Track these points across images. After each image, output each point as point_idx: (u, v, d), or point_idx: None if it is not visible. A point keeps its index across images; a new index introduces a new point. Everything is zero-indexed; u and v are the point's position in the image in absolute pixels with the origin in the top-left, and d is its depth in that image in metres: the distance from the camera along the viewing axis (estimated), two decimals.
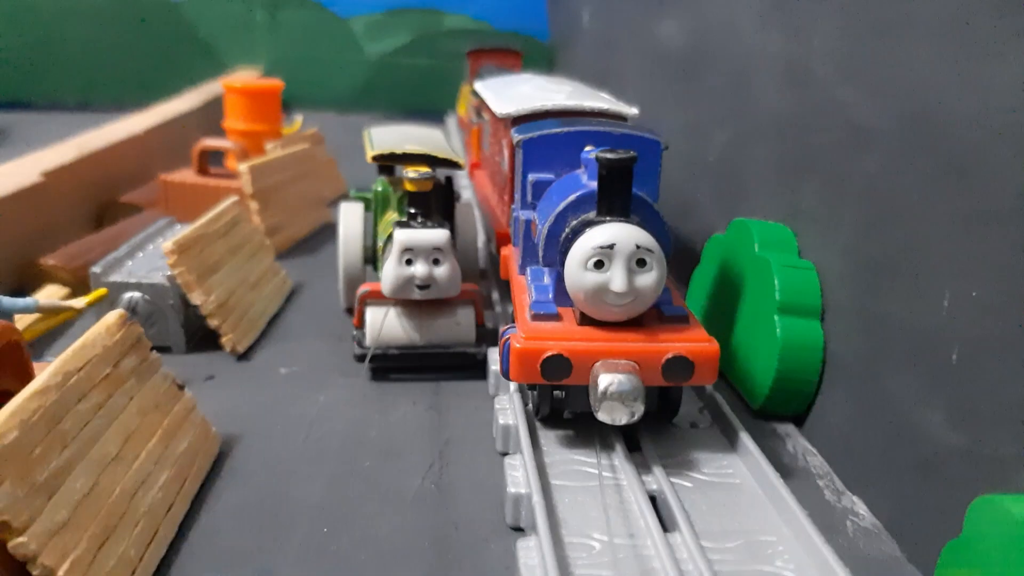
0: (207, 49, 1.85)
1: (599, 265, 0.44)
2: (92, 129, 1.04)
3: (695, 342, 0.46)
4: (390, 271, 0.57)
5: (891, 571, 0.42)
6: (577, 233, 0.45)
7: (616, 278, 0.44)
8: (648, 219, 0.47)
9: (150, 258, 0.67)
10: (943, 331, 0.43)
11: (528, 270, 0.52)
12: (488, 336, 0.63)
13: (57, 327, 0.64)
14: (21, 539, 0.34)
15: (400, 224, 0.58)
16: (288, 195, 0.94)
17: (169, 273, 0.62)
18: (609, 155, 0.44)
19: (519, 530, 0.44)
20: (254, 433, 0.53)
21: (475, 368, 0.61)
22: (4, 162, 0.85)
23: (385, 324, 0.60)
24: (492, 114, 0.73)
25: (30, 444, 0.36)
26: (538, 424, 0.51)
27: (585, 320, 0.46)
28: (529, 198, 0.52)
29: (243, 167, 0.86)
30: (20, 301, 0.55)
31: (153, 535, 0.41)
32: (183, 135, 1.15)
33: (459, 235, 0.68)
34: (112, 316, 0.47)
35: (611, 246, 0.44)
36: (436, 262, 0.58)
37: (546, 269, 0.50)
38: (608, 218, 0.45)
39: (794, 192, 0.60)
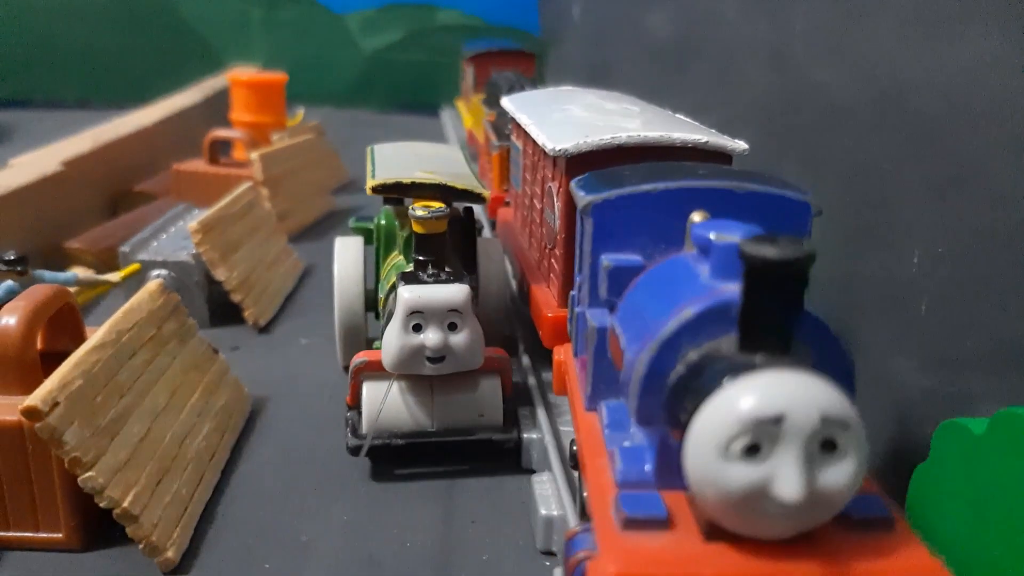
0: (204, 47, 1.88)
1: (753, 451, 0.25)
2: (93, 127, 1.06)
3: (914, 572, 0.26)
4: (393, 339, 0.45)
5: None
6: (706, 385, 0.26)
7: (788, 478, 0.24)
8: (824, 355, 0.28)
9: (173, 239, 0.71)
10: (913, 285, 0.47)
11: (603, 408, 0.33)
12: (517, 413, 0.50)
13: (90, 302, 0.68)
14: (90, 473, 0.38)
15: (406, 277, 0.46)
16: (296, 183, 0.98)
17: (193, 252, 0.66)
18: (766, 249, 0.25)
19: None
20: (281, 395, 0.57)
21: (503, 459, 0.49)
22: (15, 156, 0.89)
23: (387, 404, 0.47)
24: (531, 143, 0.56)
25: (93, 392, 0.40)
26: None
27: (716, 533, 0.27)
28: (603, 292, 0.35)
29: (254, 155, 0.90)
30: (61, 275, 0.58)
31: (200, 478, 0.45)
32: (188, 128, 1.19)
33: (482, 279, 0.56)
34: (152, 284, 0.51)
35: (778, 420, 0.24)
36: (452, 327, 0.45)
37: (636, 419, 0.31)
38: (762, 358, 0.26)
39: (776, 170, 0.65)
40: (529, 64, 1.23)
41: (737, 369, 0.26)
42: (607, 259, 0.36)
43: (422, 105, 1.84)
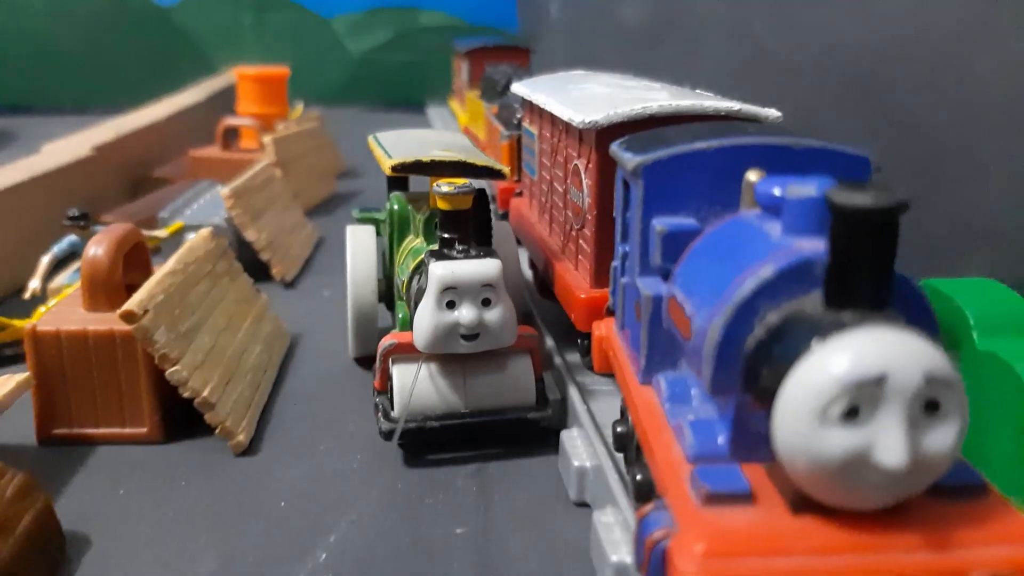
0: (197, 51, 1.96)
1: (851, 416, 0.23)
2: (91, 129, 1.12)
3: (1014, 541, 0.24)
4: (426, 318, 0.44)
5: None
6: (790, 348, 0.25)
7: (892, 442, 0.23)
8: (915, 314, 0.26)
9: (204, 208, 0.79)
10: None
11: (661, 381, 0.32)
12: (548, 392, 0.49)
13: None
14: (176, 367, 0.46)
15: (435, 254, 0.45)
16: (303, 166, 1.06)
17: (224, 216, 0.74)
18: (859, 197, 0.24)
19: None
20: (311, 333, 0.65)
21: (535, 440, 0.48)
22: (19, 158, 0.96)
23: (417, 387, 0.46)
24: (552, 125, 0.57)
25: (172, 306, 0.48)
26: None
27: (803, 505, 0.25)
28: (657, 259, 0.34)
29: (267, 139, 0.98)
30: None
31: (258, 385, 0.53)
32: (195, 122, 1.27)
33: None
34: (204, 231, 0.59)
35: (880, 381, 0.23)
36: (486, 303, 0.44)
37: (705, 389, 0.29)
38: (852, 316, 0.24)
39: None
40: (523, 58, 1.22)
41: (826, 329, 0.24)
42: (660, 223, 0.34)
43: (409, 102, 1.92)
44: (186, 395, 0.47)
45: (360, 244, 0.57)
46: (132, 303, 0.45)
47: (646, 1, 1.02)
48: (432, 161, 0.50)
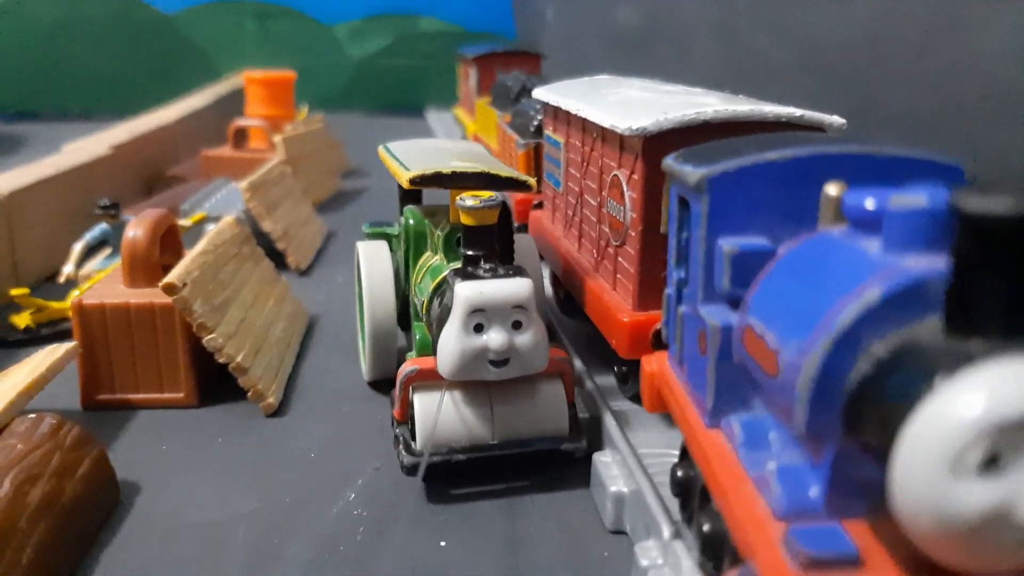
0: (202, 58, 2.00)
1: (990, 465, 0.20)
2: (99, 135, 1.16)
3: None
4: (452, 343, 0.40)
5: None
6: (905, 385, 0.22)
7: None
8: None
9: (222, 201, 0.83)
10: None
11: (734, 424, 0.29)
12: (582, 422, 0.46)
13: None
14: (213, 335, 0.50)
15: (460, 273, 0.41)
16: (311, 164, 1.11)
17: (242, 208, 0.79)
18: (996, 203, 0.21)
19: None
20: (329, 315, 0.70)
21: (568, 468, 0.45)
22: (28, 163, 1.00)
23: (442, 417, 0.43)
24: (583, 133, 0.53)
25: (206, 281, 0.53)
26: None
27: (923, 569, 0.22)
28: (725, 284, 0.30)
29: (278, 138, 1.03)
30: None
31: (283, 357, 0.58)
32: (203, 124, 1.31)
33: None
34: (229, 218, 0.63)
35: (1023, 423, 0.20)
36: (516, 325, 0.41)
37: (788, 430, 0.26)
38: (980, 345, 0.21)
39: None
40: (534, 64, 1.15)
41: (952, 363, 0.21)
42: (728, 244, 0.30)
43: (408, 107, 1.97)
44: (221, 360, 0.51)
45: (375, 261, 0.53)
46: (172, 276, 0.50)
47: (638, 4, 1.07)
48: (453, 172, 0.46)
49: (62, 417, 0.43)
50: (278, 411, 0.53)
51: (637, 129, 0.42)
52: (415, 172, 0.46)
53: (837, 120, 0.43)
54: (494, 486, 0.44)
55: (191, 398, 0.53)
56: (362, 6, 2.04)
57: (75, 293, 0.59)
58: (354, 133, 1.44)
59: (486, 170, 0.47)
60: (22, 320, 0.62)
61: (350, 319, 0.68)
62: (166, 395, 0.53)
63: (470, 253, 0.43)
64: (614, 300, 0.48)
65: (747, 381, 0.29)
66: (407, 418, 0.44)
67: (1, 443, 0.40)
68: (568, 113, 0.55)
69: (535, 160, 0.72)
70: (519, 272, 0.41)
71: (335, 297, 0.74)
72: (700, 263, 0.32)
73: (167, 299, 0.50)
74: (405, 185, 0.47)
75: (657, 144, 0.41)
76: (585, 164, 0.54)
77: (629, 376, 0.49)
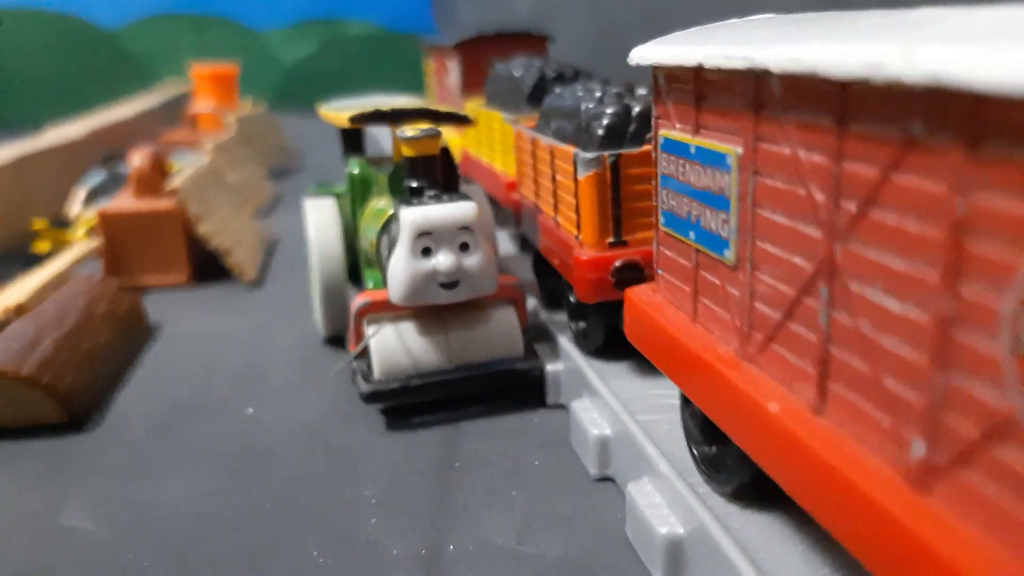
0: (142, 68, 2.15)
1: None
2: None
3: None
4: (401, 268, 0.41)
5: None
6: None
7: None
8: None
9: (190, 158, 1.01)
10: None
11: None
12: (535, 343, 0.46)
13: None
14: (206, 226, 0.69)
15: (404, 202, 0.42)
16: (259, 141, 1.29)
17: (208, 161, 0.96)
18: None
19: None
20: (286, 241, 0.88)
21: (524, 391, 0.46)
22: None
23: (398, 347, 0.43)
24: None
25: (199, 187, 0.71)
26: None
27: None
28: None
29: (231, 118, 1.20)
30: None
31: (258, 249, 0.76)
32: (154, 119, 1.48)
33: None
34: (210, 148, 0.81)
35: None
36: (464, 247, 0.41)
37: None
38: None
39: None
40: (539, 49, 0.88)
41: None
42: None
43: None
44: (211, 246, 0.69)
45: (323, 217, 0.53)
46: (175, 183, 0.68)
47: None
48: (393, 110, 0.47)
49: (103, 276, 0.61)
50: (256, 284, 0.71)
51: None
52: (355, 111, 0.49)
53: None
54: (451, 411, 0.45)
55: (190, 280, 0.71)
56: (292, 13, 2.22)
57: (80, 232, 0.76)
58: (290, 131, 1.61)
59: (426, 106, 0.49)
60: (44, 246, 0.79)
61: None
62: (171, 277, 0.71)
63: (414, 184, 0.44)
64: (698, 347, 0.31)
65: None
66: (362, 349, 0.45)
67: (70, 285, 0.57)
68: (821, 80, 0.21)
69: (614, 188, 0.41)
70: (464, 197, 0.42)
71: (294, 227, 0.93)
72: None
73: (169, 205, 0.68)
74: (346, 124, 0.49)
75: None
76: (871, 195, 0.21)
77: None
